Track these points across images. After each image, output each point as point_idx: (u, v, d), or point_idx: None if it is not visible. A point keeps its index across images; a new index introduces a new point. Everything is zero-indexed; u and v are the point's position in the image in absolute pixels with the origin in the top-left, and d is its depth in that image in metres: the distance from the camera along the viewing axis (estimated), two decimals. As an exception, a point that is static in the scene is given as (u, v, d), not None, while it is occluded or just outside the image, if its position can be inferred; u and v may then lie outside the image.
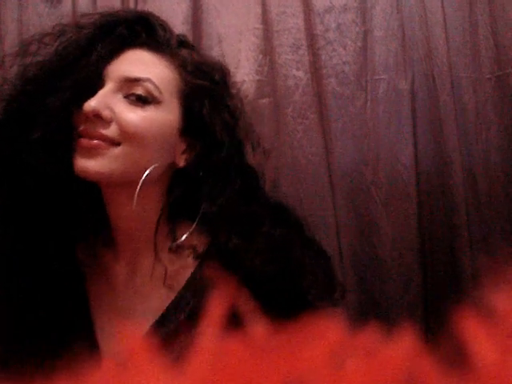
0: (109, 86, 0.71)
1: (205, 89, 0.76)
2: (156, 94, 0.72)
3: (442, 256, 1.04)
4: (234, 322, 0.21)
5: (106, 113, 0.69)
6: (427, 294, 1.04)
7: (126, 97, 0.71)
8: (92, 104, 0.69)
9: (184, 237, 0.75)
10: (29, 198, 0.74)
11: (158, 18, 0.80)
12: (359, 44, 1.06)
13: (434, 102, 1.05)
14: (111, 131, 0.69)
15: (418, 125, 1.06)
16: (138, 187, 0.71)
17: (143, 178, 0.71)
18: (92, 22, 0.76)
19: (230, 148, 0.76)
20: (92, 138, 0.69)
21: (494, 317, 0.20)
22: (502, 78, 1.05)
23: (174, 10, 1.04)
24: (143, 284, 0.76)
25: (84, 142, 0.69)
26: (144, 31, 0.77)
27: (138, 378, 0.19)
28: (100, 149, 0.69)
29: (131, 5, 1.04)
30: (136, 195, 0.71)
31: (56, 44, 0.74)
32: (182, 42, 0.81)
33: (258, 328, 0.21)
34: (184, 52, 0.78)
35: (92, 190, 0.74)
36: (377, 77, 1.06)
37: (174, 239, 0.76)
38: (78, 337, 0.73)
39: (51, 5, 1.03)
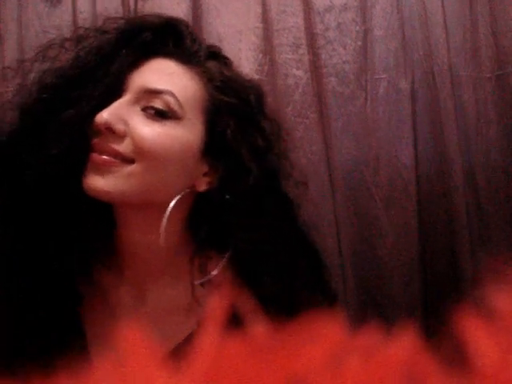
0: (126, 97, 0.65)
1: (231, 107, 0.69)
2: (176, 108, 0.65)
3: (442, 256, 1.04)
4: (234, 322, 0.21)
5: (118, 126, 0.63)
6: (427, 294, 1.04)
7: (144, 110, 0.65)
8: (104, 116, 0.63)
9: (215, 272, 0.69)
10: (35, 209, 0.67)
11: (187, 27, 0.73)
12: (359, 43, 1.06)
13: (434, 102, 1.05)
14: (124, 147, 0.63)
15: (418, 124, 1.06)
16: (165, 220, 0.65)
17: (169, 208, 0.65)
18: (115, 27, 0.70)
19: (259, 175, 0.69)
20: (103, 153, 0.63)
21: (494, 317, 0.20)
22: (502, 78, 1.05)
23: (173, 9, 1.03)
24: (155, 310, 0.70)
25: (95, 157, 0.63)
26: (171, 40, 0.70)
27: (137, 378, 0.19)
28: (111, 166, 0.63)
29: (131, 4, 1.04)
30: (163, 228, 0.65)
31: (76, 49, 0.70)
32: (213, 54, 0.73)
33: (258, 328, 0.21)
34: (212, 65, 0.71)
35: (102, 207, 0.68)
36: (377, 76, 1.06)
37: (204, 272, 0.69)
38: (68, 359, 0.67)
39: (51, 5, 1.03)
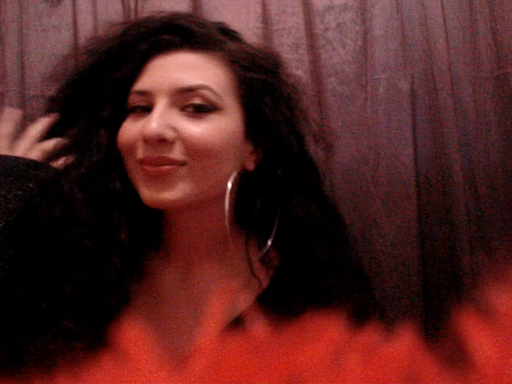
0: (162, 103, 0.64)
1: (263, 83, 0.68)
2: (215, 99, 0.64)
3: (441, 255, 1.04)
4: (235, 322, 0.21)
5: (169, 134, 0.62)
6: (427, 294, 1.04)
7: (183, 109, 0.64)
8: (154, 127, 0.61)
9: (268, 244, 0.69)
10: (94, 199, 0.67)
11: (189, 15, 0.71)
12: (359, 43, 1.06)
13: (433, 101, 1.05)
14: (176, 153, 0.63)
15: (417, 124, 1.06)
16: (227, 203, 0.65)
17: (228, 189, 0.65)
18: (120, 33, 0.70)
19: (296, 144, 0.70)
20: (157, 164, 0.62)
21: (494, 317, 0.20)
22: (502, 78, 1.05)
23: (173, 9, 1.03)
24: (199, 294, 0.70)
25: (151, 171, 0.62)
26: (179, 32, 0.68)
27: (139, 377, 0.19)
28: (169, 174, 0.62)
29: (131, 4, 1.04)
30: (227, 212, 0.66)
31: (87, 57, 0.71)
32: (225, 32, 0.72)
33: (258, 328, 0.21)
34: (232, 45, 0.70)
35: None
36: (377, 76, 1.06)
37: (260, 248, 0.70)
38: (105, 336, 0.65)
39: (51, 5, 1.03)
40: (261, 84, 0.68)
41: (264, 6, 1.06)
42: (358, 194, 1.05)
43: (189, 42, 0.68)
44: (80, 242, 0.65)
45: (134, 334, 0.20)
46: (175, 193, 0.63)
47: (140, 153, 0.64)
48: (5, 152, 0.70)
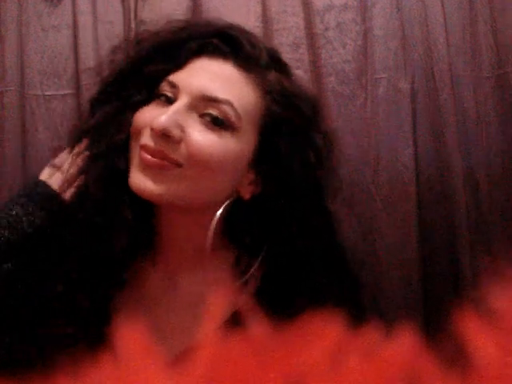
0: (183, 102, 0.65)
1: (288, 121, 0.68)
2: (234, 119, 0.64)
3: (442, 256, 1.04)
4: (235, 322, 0.21)
5: (175, 132, 0.63)
6: (427, 294, 1.03)
7: (201, 116, 0.65)
8: (162, 121, 0.62)
9: (251, 271, 0.69)
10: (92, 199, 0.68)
11: (246, 32, 0.72)
12: (359, 43, 1.06)
13: (434, 101, 1.05)
14: (177, 153, 0.63)
15: (418, 124, 1.06)
16: (212, 227, 0.66)
17: (216, 216, 0.66)
18: (175, 27, 0.72)
19: (306, 189, 0.69)
20: (155, 156, 0.63)
21: (494, 317, 0.20)
22: (502, 77, 1.05)
23: (173, 9, 1.03)
24: (181, 300, 0.71)
25: (146, 158, 0.63)
26: (230, 43, 0.69)
27: (138, 378, 0.19)
28: (162, 169, 0.63)
29: (131, 4, 1.04)
30: (211, 233, 0.67)
31: (136, 50, 0.73)
32: (273, 62, 0.71)
33: (258, 328, 0.21)
34: (273, 75, 0.69)
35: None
36: (377, 76, 1.06)
37: (242, 272, 0.70)
38: (90, 333, 0.66)
39: (51, 4, 1.03)
40: (285, 121, 0.68)
41: (264, 6, 1.06)
42: (357, 194, 1.05)
43: (235, 56, 0.68)
44: (89, 218, 0.67)
45: (132, 335, 0.20)
46: (160, 188, 0.63)
47: (143, 139, 0.65)
48: (46, 177, 0.72)
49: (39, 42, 1.02)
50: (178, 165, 0.64)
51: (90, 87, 0.98)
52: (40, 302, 0.68)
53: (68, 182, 0.71)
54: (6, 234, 0.65)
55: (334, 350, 0.20)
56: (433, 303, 1.03)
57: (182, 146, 0.64)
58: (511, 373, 0.19)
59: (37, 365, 0.64)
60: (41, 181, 0.71)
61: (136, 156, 0.66)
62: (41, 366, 0.64)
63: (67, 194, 0.71)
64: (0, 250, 0.65)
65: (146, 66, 0.69)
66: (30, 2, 1.03)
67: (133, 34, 1.01)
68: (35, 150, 0.99)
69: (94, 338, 0.65)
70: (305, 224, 0.70)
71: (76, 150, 0.72)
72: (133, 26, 1.02)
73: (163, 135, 0.63)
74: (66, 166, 0.73)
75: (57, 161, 0.75)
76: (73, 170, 0.71)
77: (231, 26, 0.73)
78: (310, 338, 0.20)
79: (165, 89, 0.68)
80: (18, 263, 0.67)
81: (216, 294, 0.21)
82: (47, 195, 0.69)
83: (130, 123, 0.69)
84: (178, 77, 0.67)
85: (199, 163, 0.64)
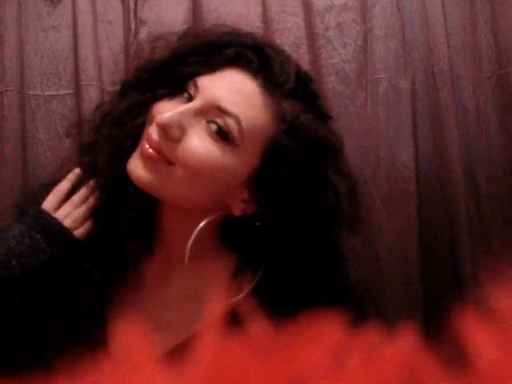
0: (195, 104, 0.66)
1: (292, 155, 0.67)
2: (236, 135, 0.64)
3: (442, 255, 1.04)
4: (235, 322, 0.21)
5: (174, 131, 0.65)
6: (427, 294, 1.03)
7: (208, 122, 0.65)
8: (165, 117, 0.64)
9: (249, 286, 0.70)
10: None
11: (279, 52, 0.72)
12: (359, 43, 1.06)
13: (434, 101, 1.05)
14: (172, 152, 0.65)
15: (418, 124, 1.06)
16: (193, 236, 0.68)
17: (198, 227, 0.68)
18: (214, 32, 0.74)
19: (305, 225, 0.69)
20: (153, 147, 0.65)
21: (494, 316, 0.20)
22: (503, 77, 1.05)
23: (173, 9, 1.03)
24: (175, 293, 0.73)
25: (144, 147, 0.66)
26: (260, 59, 0.69)
27: (137, 377, 0.19)
28: (155, 162, 0.65)
29: (131, 4, 1.04)
30: (191, 240, 0.68)
31: (176, 43, 0.75)
32: (300, 89, 0.70)
33: (259, 328, 0.21)
34: (291, 105, 0.68)
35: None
36: (377, 76, 1.06)
37: (238, 289, 0.71)
38: (87, 328, 0.68)
39: (51, 5, 1.03)
40: (289, 154, 0.67)
41: (264, 6, 1.06)
42: (357, 193, 1.05)
43: (264, 74, 0.68)
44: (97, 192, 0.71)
45: (130, 332, 0.20)
46: (149, 177, 0.66)
47: (151, 128, 0.67)
48: (49, 207, 0.72)
49: (39, 42, 1.02)
50: (170, 163, 0.66)
51: (90, 87, 0.99)
52: (40, 301, 0.68)
53: (80, 220, 0.71)
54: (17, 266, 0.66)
55: (335, 350, 0.20)
56: (433, 302, 1.03)
57: (180, 146, 0.65)
58: (511, 373, 0.19)
59: (36, 365, 0.65)
60: (49, 215, 0.70)
61: (141, 143, 0.69)
62: (40, 366, 0.64)
63: (79, 231, 0.71)
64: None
65: (181, 66, 0.71)
66: (29, 2, 1.03)
67: (133, 33, 1.01)
68: (35, 150, 0.99)
69: (93, 337, 0.67)
70: (302, 247, 0.71)
71: (91, 183, 0.73)
72: (133, 25, 1.03)
73: (164, 131, 0.65)
74: (76, 199, 0.73)
75: (62, 187, 0.74)
76: (86, 208, 0.72)
77: (269, 44, 0.74)
78: (311, 337, 0.20)
79: (190, 87, 0.69)
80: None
81: (214, 290, 0.21)
82: (59, 232, 0.69)
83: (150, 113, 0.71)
84: (203, 80, 0.68)
85: (190, 167, 0.65)
